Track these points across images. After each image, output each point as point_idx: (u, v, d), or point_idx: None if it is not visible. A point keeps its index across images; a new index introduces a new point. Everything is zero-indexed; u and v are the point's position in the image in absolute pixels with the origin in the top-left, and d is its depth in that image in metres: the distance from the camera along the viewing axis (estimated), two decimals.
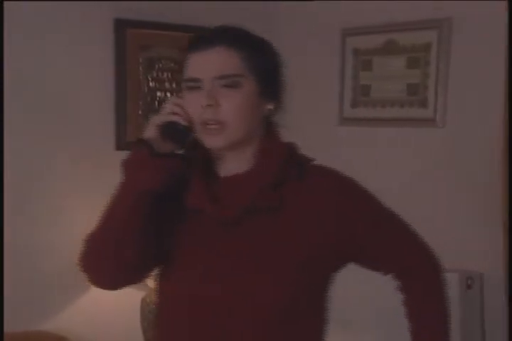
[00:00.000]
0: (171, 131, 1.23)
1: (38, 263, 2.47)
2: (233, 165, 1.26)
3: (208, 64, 1.21)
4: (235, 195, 1.23)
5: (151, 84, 2.76)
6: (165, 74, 2.78)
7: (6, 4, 2.28)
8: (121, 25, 2.62)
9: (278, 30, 2.99)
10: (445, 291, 1.35)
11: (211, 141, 1.23)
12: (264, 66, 1.25)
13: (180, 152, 1.26)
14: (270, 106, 1.27)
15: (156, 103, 2.76)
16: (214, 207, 1.23)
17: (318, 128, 2.95)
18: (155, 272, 1.31)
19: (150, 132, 1.24)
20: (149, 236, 1.24)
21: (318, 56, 2.91)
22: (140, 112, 2.72)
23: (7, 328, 2.26)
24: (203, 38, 1.24)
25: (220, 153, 1.26)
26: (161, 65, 2.76)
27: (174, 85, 2.75)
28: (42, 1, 2.44)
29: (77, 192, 2.54)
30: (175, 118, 1.23)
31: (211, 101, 1.20)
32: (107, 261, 1.24)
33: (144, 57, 2.72)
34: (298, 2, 2.93)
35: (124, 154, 1.26)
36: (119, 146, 2.65)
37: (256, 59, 1.23)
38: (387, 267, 1.33)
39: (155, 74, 2.76)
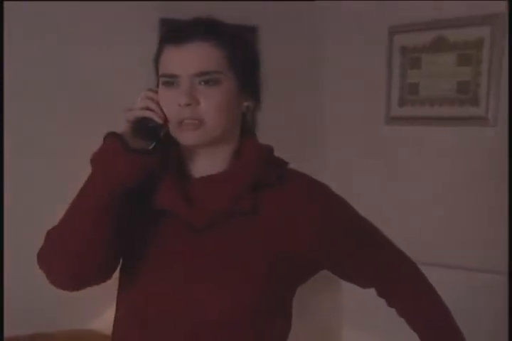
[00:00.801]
0: (143, 127, 1.16)
1: None
2: (207, 164, 1.20)
3: (186, 60, 1.13)
4: (210, 197, 1.16)
5: None
6: None
7: (59, 4, 2.30)
8: (166, 25, 2.62)
9: (323, 28, 2.96)
10: (433, 288, 1.30)
11: (186, 137, 1.15)
12: (243, 62, 1.18)
13: (151, 149, 1.18)
14: (248, 104, 1.21)
15: None
16: (187, 209, 1.16)
17: (365, 128, 2.91)
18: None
19: (123, 127, 1.17)
20: (119, 236, 1.16)
21: (364, 54, 2.87)
22: None
23: (54, 327, 2.27)
24: (180, 30, 1.16)
25: (194, 150, 1.19)
26: None
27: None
28: (94, 1, 2.45)
29: None
30: (148, 114, 1.16)
31: (190, 100, 1.13)
32: (72, 261, 1.15)
33: None
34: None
35: None
36: None
37: (235, 55, 1.16)
38: (364, 277, 1.27)
39: None
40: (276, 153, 1.25)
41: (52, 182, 2.41)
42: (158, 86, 1.18)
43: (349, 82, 2.96)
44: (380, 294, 1.29)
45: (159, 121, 1.15)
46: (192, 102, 1.12)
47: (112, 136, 1.15)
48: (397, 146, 2.79)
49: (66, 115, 2.45)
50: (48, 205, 2.29)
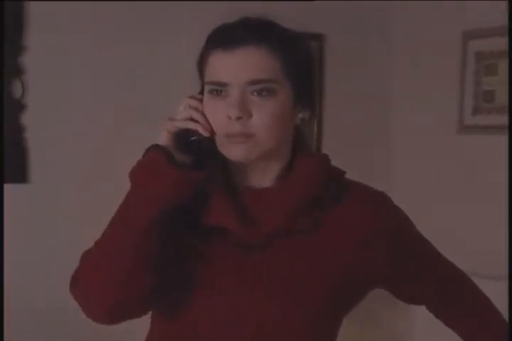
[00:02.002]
0: (186, 140, 1.04)
1: None
2: (258, 178, 1.09)
3: (238, 67, 1.01)
4: (265, 213, 1.05)
5: None
6: None
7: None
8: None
9: (391, 31, 2.87)
10: (496, 310, 1.23)
11: (235, 153, 1.04)
12: (300, 70, 1.06)
13: (198, 163, 1.07)
14: (303, 115, 1.09)
15: None
16: (240, 227, 1.04)
17: (436, 137, 2.81)
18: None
19: (164, 139, 1.05)
20: (164, 262, 1.04)
21: (436, 61, 2.77)
22: None
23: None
24: (231, 33, 1.03)
25: (243, 164, 1.08)
26: None
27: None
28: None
29: None
30: (192, 125, 1.04)
31: (241, 112, 1.01)
32: (115, 288, 1.02)
33: None
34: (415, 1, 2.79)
35: None
36: None
37: (291, 62, 1.04)
38: (424, 298, 1.20)
39: None
40: (343, 162, 1.15)
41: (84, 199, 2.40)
42: (202, 93, 1.07)
43: (419, 90, 2.86)
44: (438, 315, 1.23)
45: (205, 134, 1.04)
46: (243, 115, 1.01)
47: (155, 149, 1.04)
48: (471, 156, 2.68)
49: (111, 127, 2.45)
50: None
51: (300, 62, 1.07)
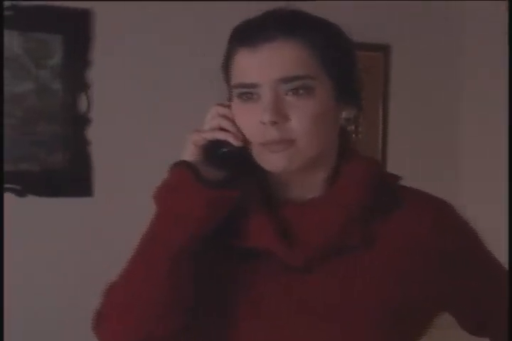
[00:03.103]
0: (217, 153, 0.92)
1: None
2: (301, 190, 0.96)
3: (267, 64, 0.88)
4: (310, 229, 0.92)
5: None
6: None
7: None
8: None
9: (458, 32, 2.78)
10: None
11: (273, 163, 0.91)
12: (339, 62, 0.92)
13: (230, 179, 0.94)
14: (348, 115, 0.96)
15: None
16: (284, 246, 0.91)
17: (505, 152, 2.70)
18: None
19: (191, 153, 0.93)
20: (199, 291, 0.93)
21: (504, 62, 2.66)
22: None
23: None
24: (255, 27, 0.91)
25: (283, 175, 0.95)
26: None
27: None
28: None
29: None
30: (222, 135, 0.92)
31: (276, 117, 0.88)
32: (141, 330, 0.90)
33: None
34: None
35: None
36: None
37: (328, 53, 0.91)
38: (492, 323, 1.04)
39: None
40: (411, 177, 1.02)
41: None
42: (230, 99, 0.95)
43: (488, 102, 2.77)
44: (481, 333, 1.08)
45: (236, 143, 0.92)
46: (279, 119, 0.88)
47: (180, 166, 0.92)
48: None
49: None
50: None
51: (338, 54, 0.93)
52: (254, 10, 0.95)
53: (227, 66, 0.95)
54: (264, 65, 0.89)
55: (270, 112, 0.88)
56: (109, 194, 2.29)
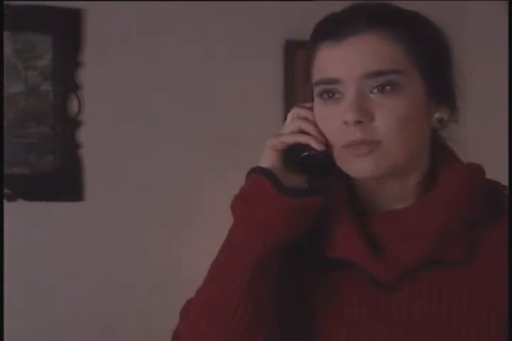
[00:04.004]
0: (298, 157, 0.87)
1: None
2: (390, 197, 0.89)
3: (351, 58, 0.82)
4: (404, 242, 0.85)
5: None
6: None
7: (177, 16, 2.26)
8: (291, 47, 2.52)
9: (461, 33, 2.73)
10: None
11: (358, 168, 0.84)
12: (430, 56, 0.85)
13: (313, 186, 0.89)
14: (441, 115, 0.88)
15: None
16: (373, 259, 0.85)
17: (494, 146, 2.66)
18: None
19: (269, 159, 0.87)
20: (282, 304, 0.88)
21: (503, 64, 2.61)
22: None
23: None
24: (338, 20, 0.86)
25: (371, 182, 0.88)
26: None
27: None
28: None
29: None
30: (303, 139, 0.87)
31: (361, 115, 0.82)
32: None
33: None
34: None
35: None
36: None
37: (419, 47, 0.84)
38: None
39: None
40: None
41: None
42: (312, 100, 0.89)
43: (480, 94, 2.72)
44: None
45: (319, 147, 0.85)
46: (363, 119, 0.82)
47: (258, 173, 0.85)
48: None
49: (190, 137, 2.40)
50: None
51: (429, 47, 0.86)
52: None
53: (308, 63, 0.90)
54: (348, 59, 0.83)
55: (354, 111, 0.82)
56: (100, 198, 2.24)
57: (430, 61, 0.86)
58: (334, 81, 0.84)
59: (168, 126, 2.34)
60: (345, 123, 0.83)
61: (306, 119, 0.88)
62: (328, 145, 0.86)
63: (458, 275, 0.85)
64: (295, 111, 0.90)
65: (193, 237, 2.37)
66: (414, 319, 0.85)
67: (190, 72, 2.36)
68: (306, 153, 0.86)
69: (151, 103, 2.31)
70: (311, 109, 0.89)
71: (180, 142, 2.35)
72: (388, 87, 0.83)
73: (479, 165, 0.91)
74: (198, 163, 2.38)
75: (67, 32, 2.15)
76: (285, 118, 2.62)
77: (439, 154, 0.90)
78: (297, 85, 2.54)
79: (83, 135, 2.22)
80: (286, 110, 2.53)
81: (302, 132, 0.87)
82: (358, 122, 0.82)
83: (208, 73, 2.39)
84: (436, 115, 0.88)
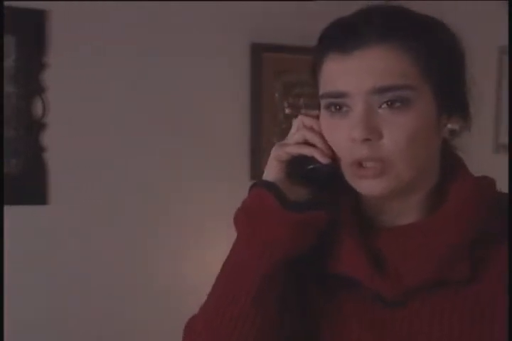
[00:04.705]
0: (303, 170, 0.84)
1: (170, 299, 2.37)
2: (396, 212, 0.87)
3: (360, 71, 0.79)
4: (409, 261, 0.82)
5: (286, 110, 2.63)
6: (301, 100, 2.65)
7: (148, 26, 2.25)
8: (257, 50, 2.53)
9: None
10: None
11: (367, 187, 0.81)
12: (444, 67, 0.82)
13: (318, 200, 0.86)
14: (453, 126, 0.84)
15: None
16: (376, 277, 0.82)
17: (470, 156, 2.70)
18: None
19: (274, 170, 0.85)
20: (286, 321, 0.86)
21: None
22: (275, 140, 2.59)
23: None
24: (347, 30, 0.81)
25: (378, 198, 0.86)
26: (297, 91, 2.64)
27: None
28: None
29: (211, 221, 2.43)
30: (309, 151, 0.84)
31: (369, 133, 0.79)
32: None
33: (280, 82, 2.61)
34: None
35: None
36: (254, 176, 2.53)
37: (431, 60, 0.80)
38: None
39: (291, 100, 2.63)
40: None
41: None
42: (319, 109, 0.86)
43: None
44: None
45: (324, 160, 0.83)
46: (371, 136, 0.79)
47: (262, 186, 0.83)
48: (507, 177, 2.56)
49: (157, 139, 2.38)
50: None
51: (443, 60, 0.82)
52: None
53: (315, 73, 0.87)
54: (356, 72, 0.80)
55: (362, 128, 0.79)
56: (65, 202, 2.21)
57: (443, 73, 0.82)
58: (342, 94, 0.81)
59: (134, 127, 2.33)
60: (353, 140, 0.81)
61: (311, 129, 0.85)
62: (334, 158, 0.84)
63: (461, 295, 0.83)
64: (300, 120, 0.87)
65: (161, 238, 2.36)
66: (415, 338, 0.83)
67: (156, 73, 2.34)
68: (311, 166, 0.84)
69: (116, 105, 2.29)
70: (317, 117, 0.86)
71: (146, 143, 2.34)
72: (398, 104, 0.79)
73: (491, 178, 0.88)
74: (164, 163, 2.36)
75: (32, 32, 2.11)
76: (252, 120, 2.67)
77: (449, 166, 0.87)
78: (263, 88, 2.56)
79: (48, 138, 2.19)
80: (253, 112, 2.54)
81: (307, 143, 0.85)
82: (365, 140, 0.80)
83: (174, 75, 2.38)
84: (449, 126, 0.85)
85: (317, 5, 2.52)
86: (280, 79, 2.60)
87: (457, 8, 2.62)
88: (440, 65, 0.82)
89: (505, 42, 2.52)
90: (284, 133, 2.71)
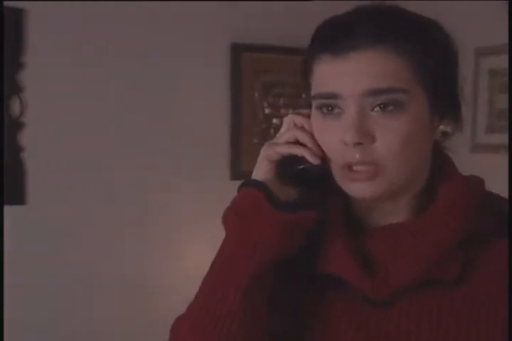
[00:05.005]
0: (293, 170, 0.83)
1: (149, 299, 2.36)
2: (386, 213, 0.86)
3: (353, 73, 0.78)
4: (397, 261, 0.81)
5: (266, 110, 2.64)
6: (281, 100, 2.65)
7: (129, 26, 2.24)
8: (237, 50, 2.53)
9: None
10: None
11: (358, 190, 0.81)
12: (438, 69, 0.81)
13: (308, 200, 0.85)
14: (446, 128, 0.84)
15: (272, 131, 2.63)
16: (363, 277, 0.82)
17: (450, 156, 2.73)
18: None
19: (264, 170, 0.84)
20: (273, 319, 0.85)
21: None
22: (255, 140, 2.60)
23: None
24: (341, 31, 0.80)
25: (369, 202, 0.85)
26: (277, 91, 2.64)
27: (291, 111, 2.61)
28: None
29: (191, 221, 2.43)
30: (299, 151, 0.83)
31: (361, 137, 0.78)
32: None
33: (260, 82, 2.61)
34: None
35: (239, 184, 0.88)
36: (234, 176, 2.53)
37: (425, 62, 0.79)
38: None
39: (271, 100, 2.64)
40: None
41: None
42: (310, 108, 0.85)
43: None
44: None
45: (315, 161, 0.82)
46: (364, 140, 0.78)
47: (251, 185, 0.82)
48: (483, 176, 2.59)
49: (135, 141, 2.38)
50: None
51: (437, 62, 0.81)
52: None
53: (306, 73, 0.85)
54: (349, 74, 0.79)
55: (354, 132, 0.78)
56: (43, 202, 2.20)
57: (436, 75, 0.81)
58: (334, 96, 0.80)
59: (112, 127, 2.32)
60: (345, 143, 0.79)
61: (302, 129, 0.85)
62: (324, 158, 0.83)
63: (450, 296, 0.82)
64: (291, 119, 0.86)
65: (141, 237, 2.36)
66: (404, 338, 0.82)
67: (135, 72, 2.34)
68: (301, 166, 0.83)
69: (94, 105, 2.28)
70: (308, 116, 0.85)
71: (125, 143, 2.33)
72: (391, 107, 0.78)
73: (479, 178, 0.88)
74: (143, 163, 2.36)
75: (9, 31, 2.10)
76: (232, 119, 2.68)
77: (438, 166, 0.87)
78: (243, 88, 2.56)
79: (25, 138, 2.18)
80: (233, 112, 2.54)
81: (298, 143, 0.84)
82: (357, 144, 0.79)
83: (154, 74, 2.38)
84: (441, 128, 0.84)
85: (297, 5, 2.53)
86: (260, 79, 2.61)
87: (434, 9, 2.65)
88: (434, 67, 0.81)
89: (482, 43, 2.55)
90: (264, 133, 2.75)
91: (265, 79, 2.62)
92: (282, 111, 2.66)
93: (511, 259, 0.82)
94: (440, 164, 0.87)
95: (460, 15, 2.61)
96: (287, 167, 0.84)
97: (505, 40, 2.48)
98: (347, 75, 0.79)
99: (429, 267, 0.80)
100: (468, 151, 2.64)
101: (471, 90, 2.60)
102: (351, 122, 0.79)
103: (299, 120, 0.85)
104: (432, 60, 0.80)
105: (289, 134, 0.85)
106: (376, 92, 0.78)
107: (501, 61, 2.48)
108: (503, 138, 2.52)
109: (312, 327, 0.87)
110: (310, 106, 0.85)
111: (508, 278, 0.82)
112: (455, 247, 0.81)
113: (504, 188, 2.73)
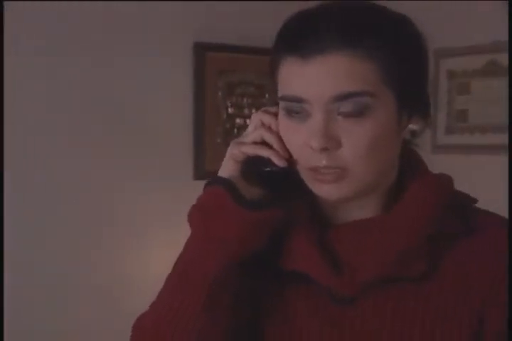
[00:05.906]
0: (259, 170, 0.83)
1: (115, 300, 2.35)
2: (353, 210, 0.86)
3: (320, 78, 0.76)
4: (364, 257, 0.81)
5: (229, 110, 2.64)
6: (245, 100, 2.66)
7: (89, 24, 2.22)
8: (200, 49, 2.53)
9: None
10: None
11: (326, 191, 0.80)
12: (406, 70, 0.79)
13: (273, 198, 0.85)
14: (414, 126, 0.83)
15: (236, 130, 2.63)
16: (330, 273, 0.81)
17: None
18: None
19: (229, 169, 0.84)
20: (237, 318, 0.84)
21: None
22: (219, 140, 2.60)
23: None
24: (306, 34, 0.77)
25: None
26: (240, 90, 2.65)
27: (254, 111, 2.62)
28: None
29: (154, 221, 2.42)
30: (266, 153, 0.82)
31: (327, 142, 0.77)
32: None
33: (223, 81, 2.61)
34: None
35: (203, 184, 0.88)
36: (197, 176, 2.53)
37: (394, 62, 0.77)
38: None
39: (234, 100, 2.64)
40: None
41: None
42: (276, 105, 0.84)
43: None
44: None
45: (281, 164, 0.81)
46: (329, 145, 0.77)
47: (217, 183, 0.82)
48: None
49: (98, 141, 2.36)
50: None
51: (406, 63, 0.79)
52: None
53: (272, 71, 0.83)
54: (316, 79, 0.77)
55: (320, 137, 0.77)
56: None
57: (405, 74, 0.79)
58: (301, 100, 0.79)
59: (74, 127, 2.30)
60: (311, 148, 0.79)
61: (269, 129, 0.83)
62: (291, 160, 0.82)
63: (414, 293, 0.82)
64: (258, 117, 0.85)
65: (104, 238, 2.34)
66: (367, 335, 0.82)
67: (98, 72, 2.32)
68: (267, 169, 0.82)
69: (53, 104, 2.26)
70: (276, 115, 0.84)
71: (88, 143, 2.32)
72: (356, 112, 0.77)
73: (448, 176, 0.87)
74: (106, 163, 2.34)
75: None
76: (195, 119, 2.65)
77: (407, 163, 0.86)
78: (206, 87, 2.56)
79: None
80: (196, 112, 2.54)
81: (264, 143, 0.83)
82: (323, 149, 0.78)
83: (116, 74, 2.36)
84: (410, 126, 0.83)
85: (260, 5, 2.54)
86: (223, 79, 2.61)
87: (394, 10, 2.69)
88: (403, 66, 0.79)
89: (442, 44, 2.59)
90: (228, 132, 2.75)
91: (228, 79, 2.62)
92: (246, 110, 2.66)
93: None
94: (410, 162, 0.87)
95: (419, 16, 2.65)
96: (253, 167, 0.83)
97: (464, 42, 2.53)
98: (314, 80, 0.77)
99: (394, 263, 0.80)
100: (430, 152, 2.69)
101: (431, 91, 2.65)
102: (317, 128, 0.78)
103: (267, 119, 0.84)
104: (401, 58, 0.78)
105: (256, 134, 0.84)
106: (343, 97, 0.77)
107: (460, 62, 2.54)
108: (462, 139, 2.58)
109: (276, 324, 0.86)
110: (277, 104, 0.84)
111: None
112: (421, 244, 0.81)
113: (468, 188, 2.77)
